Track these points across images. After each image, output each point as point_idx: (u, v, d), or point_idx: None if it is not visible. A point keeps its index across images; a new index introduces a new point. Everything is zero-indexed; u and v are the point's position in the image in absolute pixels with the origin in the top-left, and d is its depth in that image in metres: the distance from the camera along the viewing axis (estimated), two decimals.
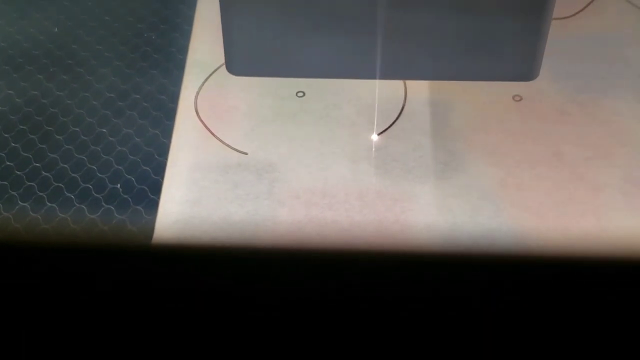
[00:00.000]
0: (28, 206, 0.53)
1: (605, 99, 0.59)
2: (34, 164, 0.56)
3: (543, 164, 0.55)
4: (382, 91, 0.60)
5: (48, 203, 0.53)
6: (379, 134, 0.57)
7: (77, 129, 0.58)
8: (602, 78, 0.60)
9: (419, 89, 0.60)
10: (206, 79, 0.61)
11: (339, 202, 0.53)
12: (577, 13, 0.65)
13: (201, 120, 0.58)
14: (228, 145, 0.57)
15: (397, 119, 0.58)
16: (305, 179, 0.55)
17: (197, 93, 0.60)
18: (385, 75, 0.52)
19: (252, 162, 0.56)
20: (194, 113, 0.59)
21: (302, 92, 0.60)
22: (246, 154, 0.56)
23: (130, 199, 0.53)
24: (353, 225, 0.52)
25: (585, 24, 0.64)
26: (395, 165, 0.56)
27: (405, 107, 0.59)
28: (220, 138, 0.57)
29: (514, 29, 0.48)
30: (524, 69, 0.51)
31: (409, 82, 0.61)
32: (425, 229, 0.52)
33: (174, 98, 0.59)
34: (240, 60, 0.52)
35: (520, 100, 0.59)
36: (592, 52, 0.62)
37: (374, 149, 0.56)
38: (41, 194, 0.54)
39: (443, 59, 0.51)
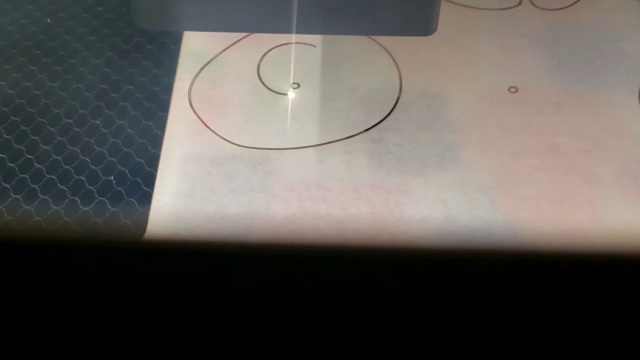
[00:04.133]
0: (21, 198, 0.53)
1: (601, 91, 0.59)
2: (27, 155, 0.55)
3: (538, 156, 0.55)
4: (376, 83, 0.60)
5: (41, 195, 0.53)
6: (373, 126, 0.57)
7: (69, 121, 0.57)
8: (597, 70, 0.60)
9: (414, 80, 0.60)
10: (200, 71, 0.61)
11: (334, 194, 0.53)
12: (572, 4, 0.65)
13: (195, 112, 0.58)
14: (222, 137, 0.57)
15: (391, 110, 0.58)
16: (299, 171, 0.55)
17: (191, 84, 0.60)
18: (300, 30, 0.54)
19: (246, 154, 0.56)
20: (188, 104, 0.58)
21: (297, 83, 0.60)
22: (240, 145, 0.56)
23: (123, 191, 0.53)
24: (348, 218, 0.52)
25: (581, 16, 0.64)
26: (390, 157, 0.55)
27: (400, 99, 0.59)
28: (214, 130, 0.57)
29: None
30: (422, 24, 0.56)
31: (404, 74, 0.60)
32: (419, 222, 0.51)
33: (168, 89, 0.59)
34: (147, 11, 0.51)
35: (515, 91, 0.59)
36: (587, 43, 0.62)
37: (368, 141, 0.56)
38: (34, 186, 0.54)
39: (350, 14, 0.54)
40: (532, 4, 0.65)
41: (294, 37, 0.63)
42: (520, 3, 0.65)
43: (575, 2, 0.65)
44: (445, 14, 0.64)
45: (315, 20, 0.53)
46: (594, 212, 0.51)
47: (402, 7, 0.54)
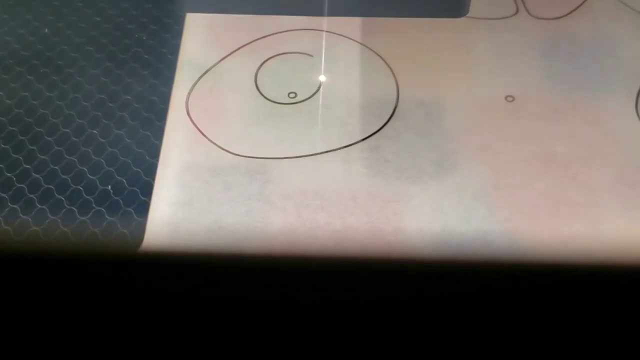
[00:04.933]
0: (18, 208, 0.53)
1: (598, 99, 0.59)
2: (24, 165, 0.55)
3: (536, 164, 0.55)
4: (373, 91, 0.60)
5: (38, 205, 0.53)
6: (371, 135, 0.57)
7: (67, 130, 0.57)
8: (594, 78, 0.60)
9: (411, 89, 0.60)
10: (197, 80, 0.61)
11: (331, 203, 0.53)
12: (569, 13, 0.65)
13: (192, 121, 0.58)
14: (219, 147, 0.57)
15: (389, 119, 0.58)
16: (297, 180, 0.55)
17: (189, 94, 0.60)
18: (332, 12, 0.57)
19: (244, 163, 0.56)
20: (185, 114, 0.58)
21: (294, 92, 0.60)
22: (238, 155, 0.56)
23: (121, 201, 0.53)
24: (346, 228, 0.52)
25: (578, 24, 0.64)
26: (387, 165, 0.55)
27: (398, 108, 0.59)
28: (212, 139, 0.57)
29: None
30: (455, 5, 0.59)
31: (401, 82, 0.60)
32: (417, 231, 0.51)
33: (165, 99, 0.59)
34: None
35: (512, 100, 0.59)
36: (584, 51, 0.62)
37: (366, 149, 0.56)
38: (31, 195, 0.53)
39: None
40: (529, 13, 0.65)
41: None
42: (516, 12, 0.65)
43: (572, 11, 0.65)
44: (441, 24, 0.65)
45: (348, 2, 0.54)
46: (592, 219, 0.51)
47: None
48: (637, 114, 0.57)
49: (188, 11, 0.55)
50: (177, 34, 0.64)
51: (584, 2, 0.66)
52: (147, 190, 0.54)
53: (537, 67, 0.61)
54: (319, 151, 0.56)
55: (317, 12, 0.56)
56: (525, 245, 0.50)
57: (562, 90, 0.59)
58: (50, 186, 0.54)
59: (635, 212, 0.52)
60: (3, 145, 0.57)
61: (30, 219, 0.52)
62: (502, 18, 0.65)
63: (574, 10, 0.66)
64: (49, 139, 0.57)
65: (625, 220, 0.51)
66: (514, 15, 0.65)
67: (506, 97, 0.59)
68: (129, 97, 0.60)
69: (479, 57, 0.62)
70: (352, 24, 0.65)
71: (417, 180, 0.54)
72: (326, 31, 0.65)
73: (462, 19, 0.65)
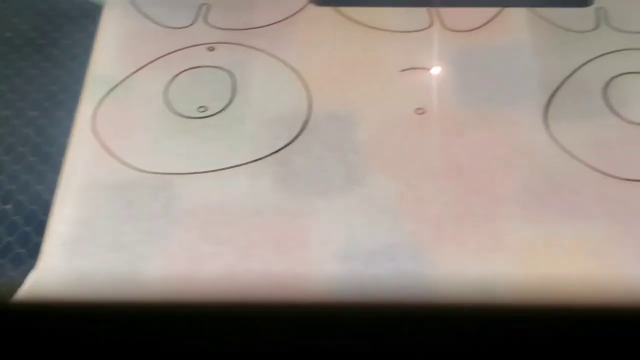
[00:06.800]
0: None
1: (506, 110, 0.59)
2: None
3: (443, 176, 0.55)
4: (286, 105, 0.60)
5: None
6: (280, 149, 0.56)
7: None
8: (505, 89, 0.60)
9: (324, 101, 0.60)
10: (106, 95, 0.60)
11: (237, 219, 0.52)
12: (483, 25, 0.65)
13: (98, 137, 0.57)
14: (125, 163, 0.56)
15: (300, 132, 0.58)
16: (202, 196, 0.54)
17: (96, 109, 0.59)
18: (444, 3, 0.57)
19: (149, 179, 0.55)
20: (90, 130, 0.57)
21: (205, 107, 0.59)
22: (143, 171, 0.55)
23: (18, 221, 0.52)
24: (250, 244, 0.51)
25: (491, 37, 0.64)
26: (296, 180, 0.55)
27: (309, 121, 0.59)
28: (117, 155, 0.56)
29: None
30: None
31: (314, 95, 0.60)
32: (322, 244, 0.51)
33: (71, 115, 0.58)
34: None
35: (423, 113, 0.59)
36: (496, 64, 0.62)
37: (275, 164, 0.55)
38: None
39: None
40: (443, 25, 0.65)
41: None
42: (431, 25, 0.65)
43: (485, 24, 0.66)
44: (356, 36, 0.65)
45: None
46: (495, 230, 0.51)
47: None
48: (545, 125, 0.58)
49: (322, 4, 0.58)
50: (89, 49, 0.63)
51: (497, 14, 0.66)
52: (45, 209, 0.52)
53: (449, 79, 0.61)
54: (226, 166, 0.56)
55: (429, 2, 0.59)
56: (429, 258, 0.50)
57: (472, 103, 0.60)
58: None
59: (538, 225, 0.52)
60: None
61: None
62: (417, 31, 0.65)
63: (488, 22, 0.66)
64: None
65: (527, 231, 0.51)
66: (428, 28, 0.65)
67: (416, 110, 0.59)
68: (34, 114, 0.59)
69: (391, 70, 0.62)
70: (268, 37, 0.65)
71: (325, 195, 0.54)
72: (241, 44, 0.64)
73: (377, 31, 0.65)
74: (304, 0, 0.66)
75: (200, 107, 0.59)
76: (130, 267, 0.50)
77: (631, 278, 0.49)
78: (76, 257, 0.50)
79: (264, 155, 0.56)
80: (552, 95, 0.60)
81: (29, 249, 0.50)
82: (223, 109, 0.59)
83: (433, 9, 0.66)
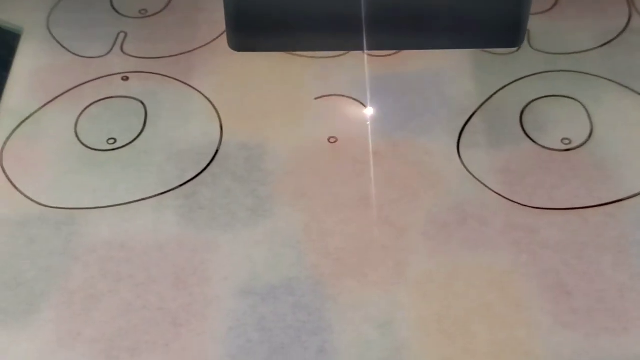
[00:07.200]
0: None
1: (419, 138, 0.58)
2: None
3: (350, 207, 0.54)
4: (196, 135, 0.59)
5: None
6: (187, 182, 0.56)
7: None
8: (418, 116, 0.60)
9: (235, 131, 0.59)
10: (15, 129, 0.59)
11: (137, 254, 0.52)
12: (399, 51, 0.65)
13: (4, 173, 0.56)
14: (29, 198, 0.55)
15: (209, 164, 0.57)
16: (104, 232, 0.53)
17: (4, 143, 0.58)
18: (372, 47, 0.55)
19: (52, 215, 0.54)
20: None
21: (114, 139, 0.59)
22: (46, 206, 0.54)
23: None
24: (149, 280, 0.50)
25: (407, 62, 0.64)
26: (201, 213, 0.54)
27: (220, 151, 0.58)
28: (22, 190, 0.55)
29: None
30: (510, 36, 0.54)
31: (225, 125, 0.59)
32: (222, 280, 0.50)
33: None
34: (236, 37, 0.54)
35: (335, 142, 0.58)
36: (412, 90, 0.62)
37: (182, 198, 0.55)
38: None
39: (431, 29, 0.53)
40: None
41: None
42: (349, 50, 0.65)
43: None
44: (273, 63, 0.64)
45: (390, 36, 0.53)
46: (397, 263, 0.51)
47: (487, 15, 0.52)
48: (457, 153, 0.57)
49: (234, 49, 0.56)
50: (2, 80, 0.62)
51: None
52: None
53: (363, 107, 0.61)
54: (130, 200, 0.55)
55: (359, 47, 0.56)
56: (328, 292, 0.49)
57: (385, 131, 0.59)
58: None
59: (440, 256, 0.51)
60: None
61: None
62: (333, 57, 0.64)
63: None
64: None
65: (429, 263, 0.51)
66: (346, 53, 0.65)
67: (329, 139, 0.59)
68: None
69: (305, 97, 0.62)
70: (182, 66, 0.64)
71: (229, 228, 0.53)
72: (156, 73, 0.64)
73: (293, 56, 0.64)
74: (221, 29, 0.66)
75: (110, 139, 0.59)
76: (26, 306, 0.49)
77: (532, 310, 0.48)
78: None
79: (170, 188, 0.56)
80: (467, 121, 0.60)
81: None
82: (132, 141, 0.59)
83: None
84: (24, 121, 0.60)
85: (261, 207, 0.54)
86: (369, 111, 0.61)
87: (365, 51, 0.64)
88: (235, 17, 0.52)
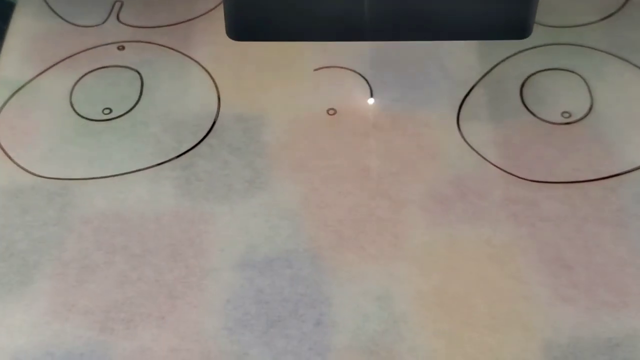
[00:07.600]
0: None
1: (418, 111, 0.58)
2: None
3: (349, 179, 0.54)
4: (194, 106, 0.58)
5: None
6: (185, 153, 0.55)
7: None
8: (418, 89, 0.59)
9: (233, 103, 0.58)
10: (8, 99, 0.58)
11: (133, 226, 0.51)
12: None
13: None
14: (22, 168, 0.54)
15: (206, 135, 0.56)
16: (99, 202, 0.52)
17: None
18: (374, 37, 0.53)
19: (46, 185, 0.53)
20: None
21: (110, 108, 0.58)
22: (40, 176, 0.54)
23: None
24: (144, 251, 0.50)
25: None
26: (198, 185, 0.54)
27: (217, 123, 0.57)
28: (15, 160, 0.54)
29: None
30: (518, 27, 0.52)
31: (223, 97, 0.59)
32: (219, 252, 0.50)
33: None
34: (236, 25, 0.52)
35: (334, 114, 0.58)
36: (412, 63, 0.61)
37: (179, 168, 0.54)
38: None
39: (439, 19, 0.52)
40: None
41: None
42: None
43: None
44: None
45: (391, 26, 0.51)
46: (396, 236, 0.50)
47: (495, 7, 0.51)
48: (457, 126, 0.57)
49: (232, 39, 0.54)
50: None
51: None
52: None
53: (363, 79, 0.60)
54: (126, 171, 0.54)
55: (360, 37, 0.54)
56: (326, 265, 0.49)
57: (384, 103, 0.58)
58: None
59: (439, 229, 0.50)
60: None
61: None
62: None
63: None
64: None
65: (428, 236, 0.50)
66: None
67: (328, 111, 0.58)
68: None
69: (306, 69, 0.61)
70: (180, 35, 0.63)
71: (226, 200, 0.53)
72: (152, 43, 0.63)
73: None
74: None
75: (105, 109, 0.58)
76: (20, 277, 0.48)
77: (531, 283, 0.48)
78: None
79: (167, 159, 0.55)
80: (467, 94, 0.59)
81: None
82: (128, 111, 0.58)
83: None
84: (18, 90, 0.59)
85: (258, 179, 0.54)
86: (369, 83, 0.60)
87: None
88: (235, 7, 0.51)
